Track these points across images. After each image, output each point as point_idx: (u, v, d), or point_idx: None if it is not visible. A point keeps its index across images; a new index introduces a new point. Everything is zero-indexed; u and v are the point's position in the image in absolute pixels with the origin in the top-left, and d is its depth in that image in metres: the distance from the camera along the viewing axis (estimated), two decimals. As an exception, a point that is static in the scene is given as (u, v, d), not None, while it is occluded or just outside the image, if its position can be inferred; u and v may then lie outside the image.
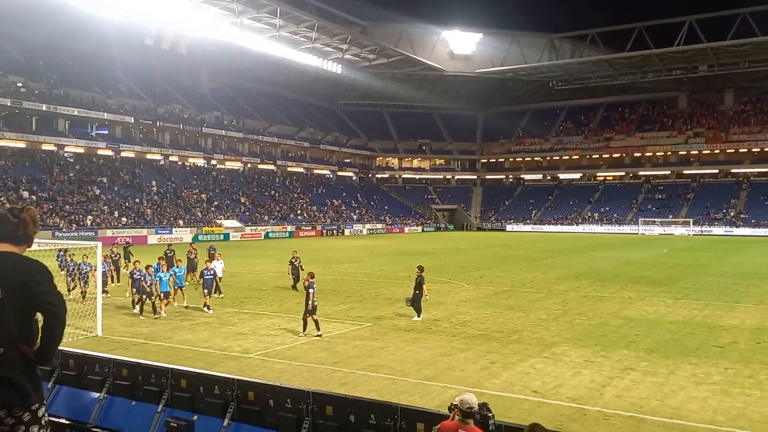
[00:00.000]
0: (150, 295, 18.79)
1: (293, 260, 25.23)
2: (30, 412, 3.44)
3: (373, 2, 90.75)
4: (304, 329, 16.07)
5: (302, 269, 24.63)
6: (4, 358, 3.41)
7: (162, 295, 19.24)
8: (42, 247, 24.51)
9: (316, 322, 16.03)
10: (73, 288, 21.59)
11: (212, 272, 20.61)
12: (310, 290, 15.84)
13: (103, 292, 21.21)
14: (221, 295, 22.26)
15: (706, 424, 9.75)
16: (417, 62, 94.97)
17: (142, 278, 18.90)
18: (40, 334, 3.54)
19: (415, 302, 18.57)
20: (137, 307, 19.50)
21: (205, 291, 19.87)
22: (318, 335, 15.89)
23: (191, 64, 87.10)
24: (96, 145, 70.97)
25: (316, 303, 15.97)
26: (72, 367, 9.07)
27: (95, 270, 21.36)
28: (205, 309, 19.64)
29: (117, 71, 78.89)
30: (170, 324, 17.87)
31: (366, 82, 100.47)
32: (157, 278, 19.27)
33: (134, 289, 19.49)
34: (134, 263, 20.36)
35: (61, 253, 28.75)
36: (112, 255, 26.47)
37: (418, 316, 18.47)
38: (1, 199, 52.89)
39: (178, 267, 21.11)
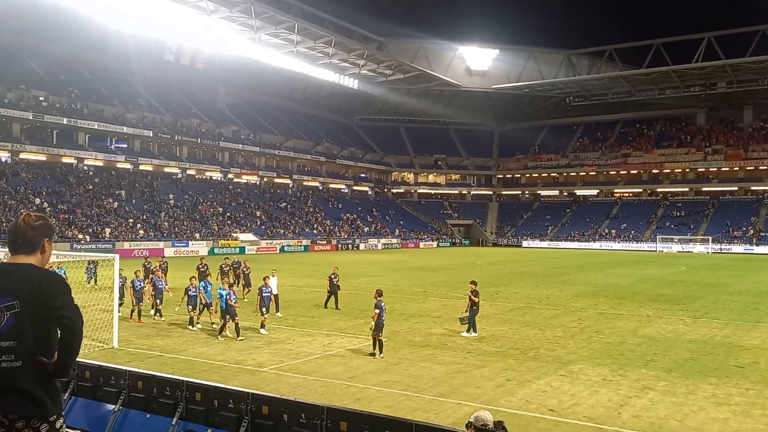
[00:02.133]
0: (234, 317, 17.49)
1: (332, 276, 24.37)
2: (48, 423, 3.44)
3: (390, 18, 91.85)
4: (374, 347, 15.45)
5: (339, 288, 24.29)
6: (22, 370, 3.42)
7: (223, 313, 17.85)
8: (61, 258, 24.87)
9: (380, 343, 15.41)
10: (121, 304, 19.92)
11: (270, 289, 19.37)
12: (377, 309, 15.34)
13: (156, 310, 20.88)
14: (278, 314, 21.30)
15: (727, 446, 9.58)
16: (433, 78, 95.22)
17: (228, 297, 17.65)
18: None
19: (470, 318, 18.43)
20: (196, 326, 19.06)
21: (264, 310, 18.51)
22: (379, 356, 15.24)
23: (209, 79, 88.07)
24: (115, 158, 71.85)
25: (383, 322, 15.42)
26: (88, 378, 9.11)
27: (149, 285, 21.26)
28: (262, 330, 18.42)
29: (136, 85, 79.96)
30: (185, 337, 17.91)
31: (382, 97, 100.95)
32: (218, 295, 18.21)
33: (190, 306, 19.07)
34: (190, 280, 19.69)
35: (90, 266, 28.97)
36: (158, 270, 25.81)
37: (474, 332, 18.25)
38: (21, 210, 53.58)
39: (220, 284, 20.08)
